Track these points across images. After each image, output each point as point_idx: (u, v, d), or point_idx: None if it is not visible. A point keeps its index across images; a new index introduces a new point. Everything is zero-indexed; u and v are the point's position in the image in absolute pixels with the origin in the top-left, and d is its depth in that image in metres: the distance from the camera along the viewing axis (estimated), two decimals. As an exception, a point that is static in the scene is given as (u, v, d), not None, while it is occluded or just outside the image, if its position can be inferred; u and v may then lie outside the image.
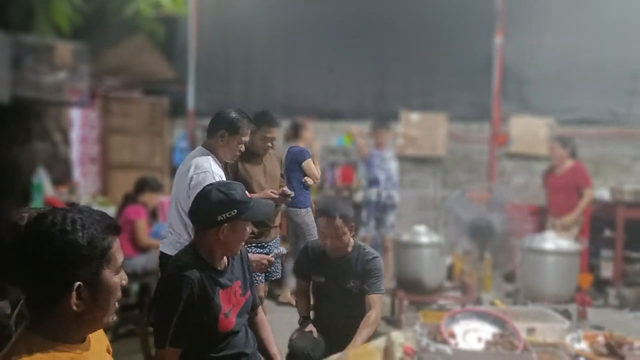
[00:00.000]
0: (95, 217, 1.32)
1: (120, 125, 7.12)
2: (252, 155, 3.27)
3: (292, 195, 3.19)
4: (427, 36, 6.91)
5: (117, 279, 1.35)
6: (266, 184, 3.30)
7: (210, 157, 2.85)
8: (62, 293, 1.27)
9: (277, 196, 3.10)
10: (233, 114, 2.96)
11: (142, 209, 4.71)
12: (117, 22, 6.13)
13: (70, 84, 4.81)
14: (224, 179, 2.79)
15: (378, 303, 2.62)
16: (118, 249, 1.35)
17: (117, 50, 6.65)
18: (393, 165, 5.77)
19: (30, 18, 4.64)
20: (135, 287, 4.85)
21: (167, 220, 4.35)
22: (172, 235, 2.84)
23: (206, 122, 3.14)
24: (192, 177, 2.73)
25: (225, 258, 2.09)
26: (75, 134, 6.58)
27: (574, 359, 2.36)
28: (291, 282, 4.21)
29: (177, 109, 7.05)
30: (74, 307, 1.28)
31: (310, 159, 3.80)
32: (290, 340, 2.63)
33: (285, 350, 2.59)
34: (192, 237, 2.73)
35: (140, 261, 4.51)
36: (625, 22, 6.71)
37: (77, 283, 1.27)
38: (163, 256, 2.84)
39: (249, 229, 2.07)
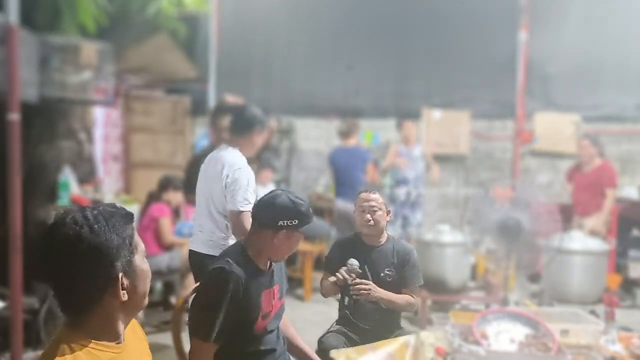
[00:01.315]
0: (110, 209, 1.33)
1: (142, 123, 7.18)
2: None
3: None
4: (449, 32, 6.84)
5: (146, 264, 1.38)
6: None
7: (241, 154, 2.86)
8: (105, 289, 1.29)
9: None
10: (257, 111, 2.99)
11: (166, 207, 4.76)
12: (139, 21, 6.15)
13: (95, 83, 4.84)
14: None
15: (417, 294, 2.72)
16: (138, 235, 1.38)
17: (140, 49, 6.68)
18: (421, 164, 5.73)
19: (57, 18, 4.68)
20: (159, 285, 4.90)
21: (190, 218, 4.33)
22: (203, 233, 2.84)
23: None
24: (227, 175, 2.73)
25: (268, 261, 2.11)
26: (98, 133, 6.64)
27: (609, 361, 2.32)
28: None
29: (198, 108, 7.08)
30: (122, 298, 1.30)
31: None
32: (321, 339, 2.62)
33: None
34: (225, 234, 2.75)
35: (165, 259, 4.56)
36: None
37: (120, 274, 1.29)
38: (193, 254, 2.86)
39: (300, 241, 2.09)
